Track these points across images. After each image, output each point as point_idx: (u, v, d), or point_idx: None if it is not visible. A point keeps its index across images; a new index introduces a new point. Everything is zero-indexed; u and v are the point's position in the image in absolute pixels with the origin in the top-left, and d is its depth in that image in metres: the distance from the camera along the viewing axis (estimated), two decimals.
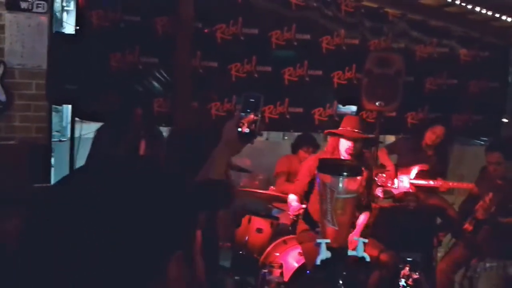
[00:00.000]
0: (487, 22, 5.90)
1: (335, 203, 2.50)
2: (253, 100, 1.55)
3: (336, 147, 3.75)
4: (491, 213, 4.01)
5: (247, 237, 4.27)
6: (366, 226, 3.77)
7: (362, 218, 3.75)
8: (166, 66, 4.72)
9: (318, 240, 2.47)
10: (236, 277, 4.05)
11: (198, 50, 4.83)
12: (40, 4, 4.21)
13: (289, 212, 4.00)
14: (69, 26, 4.55)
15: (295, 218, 4.12)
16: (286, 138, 6.89)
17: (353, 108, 5.41)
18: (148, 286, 0.74)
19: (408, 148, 4.94)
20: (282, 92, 5.19)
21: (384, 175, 4.70)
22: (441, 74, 5.87)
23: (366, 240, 2.56)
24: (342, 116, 4.88)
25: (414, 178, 4.69)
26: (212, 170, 1.60)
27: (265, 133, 6.63)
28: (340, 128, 3.78)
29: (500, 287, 3.87)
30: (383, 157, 4.86)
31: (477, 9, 5.56)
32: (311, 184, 3.75)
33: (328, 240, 2.46)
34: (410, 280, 3.17)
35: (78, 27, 4.30)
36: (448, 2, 5.49)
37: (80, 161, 3.99)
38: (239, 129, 1.54)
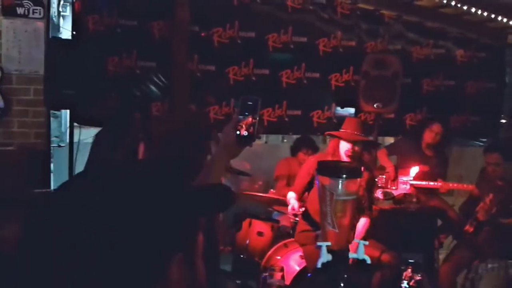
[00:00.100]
0: (482, 23, 5.92)
1: (334, 205, 2.48)
2: (251, 103, 1.55)
3: (336, 149, 3.74)
4: (492, 214, 4.02)
5: (248, 241, 4.26)
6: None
7: (363, 222, 3.74)
8: (163, 70, 4.72)
9: (319, 243, 2.46)
10: (237, 281, 4.04)
11: (195, 53, 4.82)
12: (37, 9, 4.20)
13: (288, 210, 3.97)
14: (66, 31, 4.53)
15: (295, 218, 4.10)
16: (285, 141, 6.88)
17: (351, 110, 5.41)
18: None
19: (408, 149, 4.93)
20: (280, 95, 5.19)
21: (384, 176, 4.69)
22: (438, 76, 5.89)
23: (367, 242, 2.55)
24: (340, 118, 4.89)
25: (414, 179, 4.69)
26: (211, 174, 1.59)
27: (264, 136, 6.63)
28: (340, 130, 3.77)
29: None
30: (383, 158, 4.85)
31: (473, 10, 5.57)
32: (311, 184, 3.74)
33: (329, 243, 2.45)
34: (413, 281, 3.16)
35: (75, 32, 4.29)
36: (444, 3, 5.51)
37: (80, 166, 3.98)
38: (238, 132, 1.53)
